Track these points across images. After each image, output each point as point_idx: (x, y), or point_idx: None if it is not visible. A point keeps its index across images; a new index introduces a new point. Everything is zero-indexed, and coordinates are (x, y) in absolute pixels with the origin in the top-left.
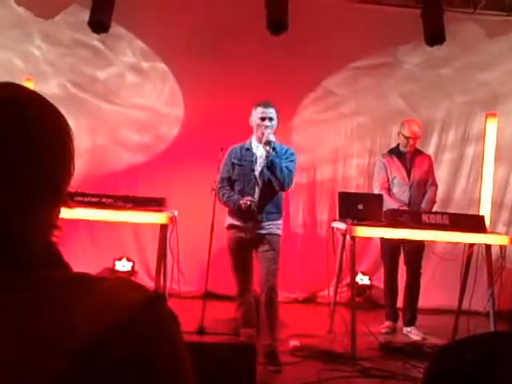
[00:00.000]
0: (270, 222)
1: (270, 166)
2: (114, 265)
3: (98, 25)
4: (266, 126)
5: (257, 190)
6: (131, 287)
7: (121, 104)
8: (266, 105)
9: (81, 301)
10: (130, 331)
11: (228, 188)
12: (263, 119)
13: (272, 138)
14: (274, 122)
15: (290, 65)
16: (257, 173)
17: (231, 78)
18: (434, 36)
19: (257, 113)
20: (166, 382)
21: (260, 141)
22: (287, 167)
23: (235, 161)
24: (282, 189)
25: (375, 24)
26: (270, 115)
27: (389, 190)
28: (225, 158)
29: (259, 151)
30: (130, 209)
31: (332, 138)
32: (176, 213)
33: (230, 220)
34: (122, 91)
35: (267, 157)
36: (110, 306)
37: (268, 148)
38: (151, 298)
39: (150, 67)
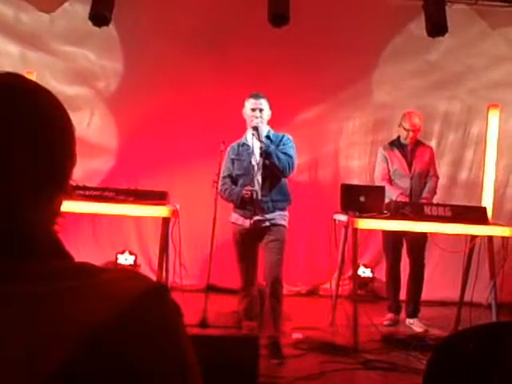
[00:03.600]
0: (277, 213)
1: (266, 156)
2: (116, 258)
3: (99, 18)
4: (256, 117)
5: (256, 181)
6: (134, 277)
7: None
8: (256, 96)
9: (83, 291)
10: (132, 321)
11: (229, 184)
12: (253, 110)
13: (260, 125)
14: (265, 113)
15: (291, 57)
16: (255, 164)
17: (232, 71)
18: (436, 27)
19: (248, 104)
20: (170, 372)
21: (253, 134)
22: (286, 153)
23: (234, 156)
24: (284, 175)
25: (377, 16)
26: (260, 106)
27: (390, 180)
28: (224, 157)
29: (255, 143)
30: (131, 202)
31: (334, 129)
32: (178, 206)
33: (234, 216)
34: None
35: (261, 147)
36: (112, 297)
37: (255, 133)
38: (154, 288)
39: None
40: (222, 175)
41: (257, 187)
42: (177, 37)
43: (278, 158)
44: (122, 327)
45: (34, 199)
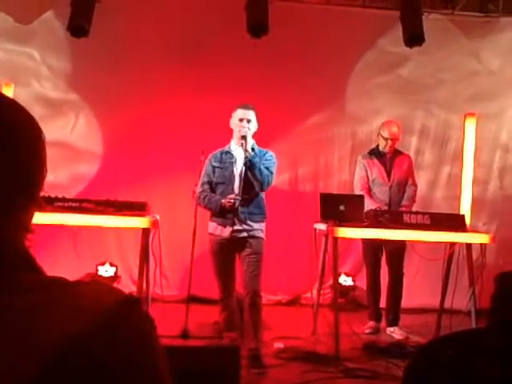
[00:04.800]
0: (252, 224)
1: (249, 165)
2: (96, 270)
3: (78, 30)
4: (244, 127)
5: (237, 190)
6: (106, 291)
7: None
8: (245, 107)
9: (55, 305)
10: (104, 335)
11: (209, 191)
12: (241, 120)
13: (248, 134)
14: (253, 125)
15: (272, 69)
16: (237, 174)
17: (211, 81)
18: (413, 37)
19: (236, 115)
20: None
21: (239, 144)
22: (267, 168)
23: (216, 164)
24: (261, 189)
25: (355, 27)
26: (249, 117)
27: (369, 190)
28: (205, 163)
29: (239, 153)
30: (111, 213)
31: (313, 139)
32: (158, 217)
33: (212, 225)
34: None
35: (246, 157)
36: (84, 310)
37: (243, 142)
38: (127, 300)
39: None
40: (201, 181)
41: (239, 195)
42: (156, 48)
43: (260, 171)
44: (94, 339)
45: (5, 212)
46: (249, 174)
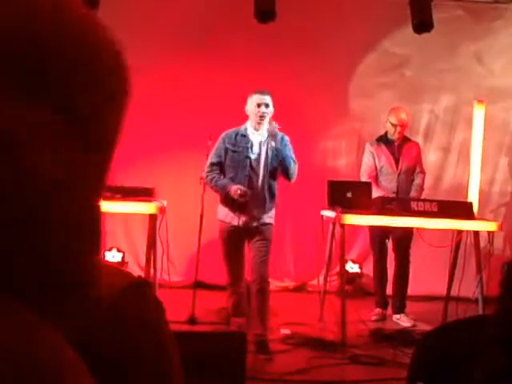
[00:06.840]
0: (265, 212)
1: (282, 160)
2: (103, 256)
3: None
4: (263, 113)
5: (253, 177)
6: (114, 273)
7: None
8: (261, 92)
9: None
10: (114, 318)
11: (218, 172)
12: (259, 105)
13: (267, 118)
14: (270, 109)
15: (279, 54)
16: (252, 159)
17: (219, 67)
18: (422, 23)
19: (252, 100)
20: (151, 369)
21: (256, 129)
22: (293, 158)
23: (229, 146)
24: (289, 179)
25: (363, 12)
26: (266, 101)
27: (376, 178)
28: (217, 142)
29: (255, 138)
30: (118, 199)
31: (321, 126)
32: (165, 203)
33: (223, 211)
34: None
35: (275, 148)
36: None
37: (273, 143)
38: (135, 283)
39: None
40: (210, 160)
41: (256, 182)
42: (164, 31)
43: (290, 163)
44: (99, 329)
45: None
46: (281, 167)
